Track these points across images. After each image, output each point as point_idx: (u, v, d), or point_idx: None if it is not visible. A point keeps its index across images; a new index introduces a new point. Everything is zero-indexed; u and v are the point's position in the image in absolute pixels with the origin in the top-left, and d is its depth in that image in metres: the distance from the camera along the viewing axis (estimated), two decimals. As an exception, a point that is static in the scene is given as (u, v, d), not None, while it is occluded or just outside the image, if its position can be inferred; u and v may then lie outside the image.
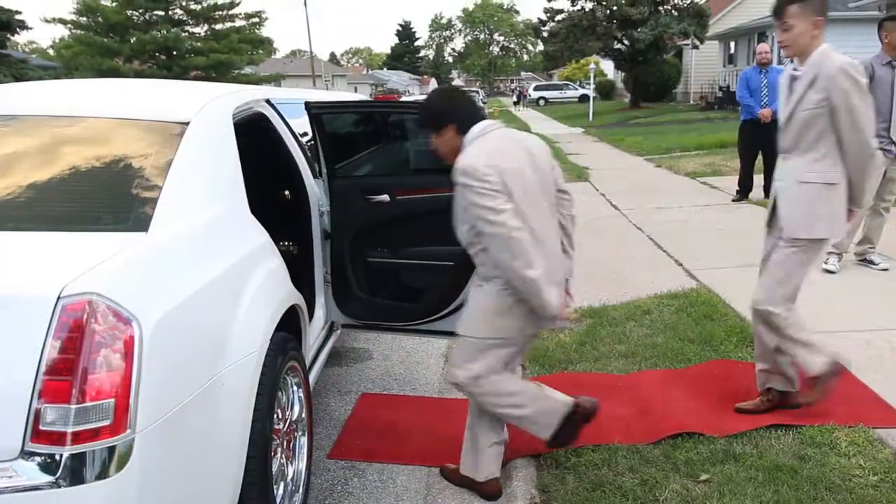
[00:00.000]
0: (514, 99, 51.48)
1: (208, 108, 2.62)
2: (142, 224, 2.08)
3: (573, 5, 30.91)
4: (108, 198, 2.25)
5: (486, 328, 2.69)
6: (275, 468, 2.48)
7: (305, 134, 3.62)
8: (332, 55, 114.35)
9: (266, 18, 34.11)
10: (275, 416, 2.46)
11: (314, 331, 3.40)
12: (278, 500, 2.49)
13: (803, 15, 2.97)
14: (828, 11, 2.99)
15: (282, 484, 2.59)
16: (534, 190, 2.61)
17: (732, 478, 2.80)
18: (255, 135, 3.20)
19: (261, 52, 35.51)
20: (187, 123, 2.46)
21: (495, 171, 2.48)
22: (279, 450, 2.57)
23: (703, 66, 32.19)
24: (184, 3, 32.43)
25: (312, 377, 3.20)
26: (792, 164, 3.13)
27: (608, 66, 44.23)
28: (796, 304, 3.20)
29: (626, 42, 30.27)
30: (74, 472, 1.68)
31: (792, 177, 3.13)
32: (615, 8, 29.36)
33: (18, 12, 24.04)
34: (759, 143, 8.42)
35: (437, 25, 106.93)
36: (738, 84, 8.58)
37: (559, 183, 2.85)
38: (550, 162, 2.82)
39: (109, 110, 2.60)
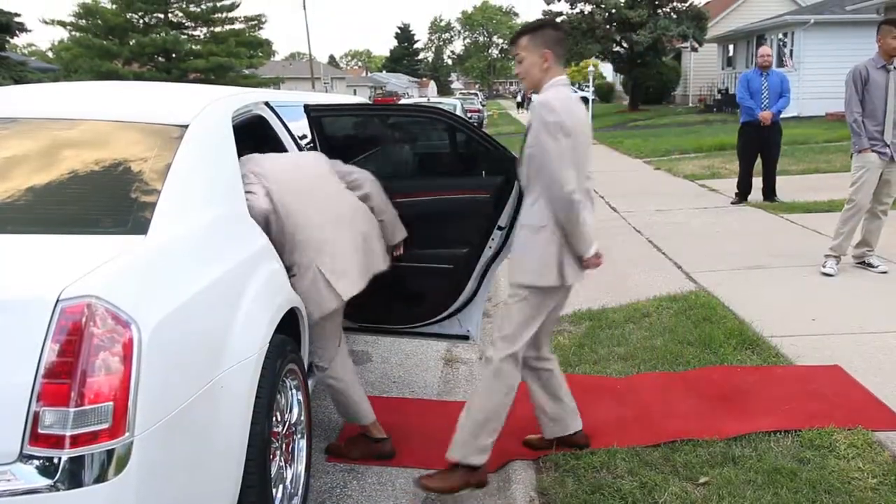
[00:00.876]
0: (518, 100, 49.79)
1: (207, 111, 2.62)
2: (141, 227, 2.08)
3: (572, 8, 30.95)
4: (108, 200, 2.25)
5: None
6: (274, 471, 2.48)
7: (304, 136, 3.62)
8: (332, 58, 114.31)
9: (265, 21, 34.18)
10: (274, 418, 2.46)
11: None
12: (277, 503, 2.49)
13: (533, 47, 2.75)
14: (558, 45, 2.77)
15: (281, 487, 2.58)
16: (299, 185, 2.92)
17: (731, 480, 2.80)
18: (254, 138, 3.20)
19: (260, 54, 35.56)
20: (186, 126, 2.46)
21: (252, 174, 2.82)
22: (278, 452, 2.57)
23: (701, 68, 32.24)
24: (183, 6, 32.46)
25: (311, 380, 3.19)
26: (523, 204, 2.91)
27: (607, 69, 44.30)
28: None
29: (625, 45, 30.32)
30: (73, 476, 1.68)
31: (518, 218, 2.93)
32: (614, 11, 29.41)
33: (17, 14, 23.99)
34: (758, 146, 8.43)
35: (437, 28, 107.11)
36: (739, 86, 8.53)
37: (341, 170, 3.19)
38: (316, 157, 3.22)
39: (109, 113, 2.60)
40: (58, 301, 1.70)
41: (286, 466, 2.67)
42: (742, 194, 8.77)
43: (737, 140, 8.89)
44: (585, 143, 2.76)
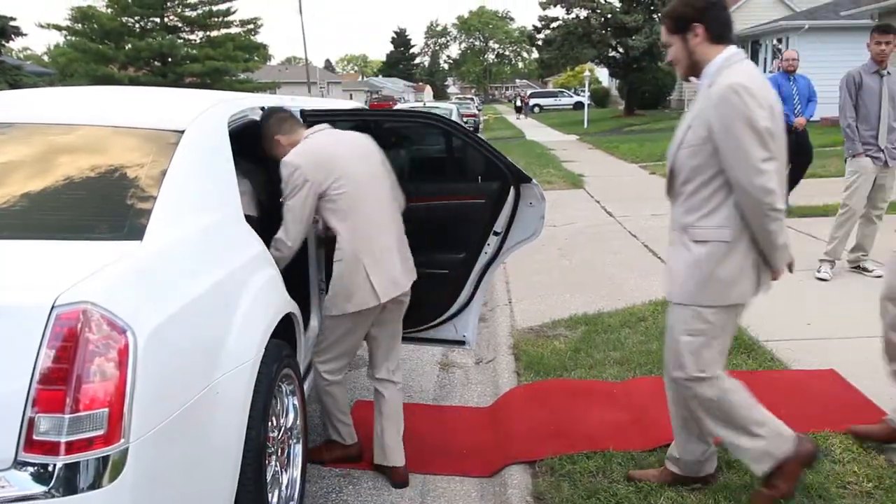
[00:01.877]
0: (518, 105, 46.69)
1: (204, 117, 2.62)
2: (137, 233, 2.08)
3: (568, 13, 31.06)
4: (104, 206, 2.25)
5: None
6: (269, 476, 2.47)
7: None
8: (328, 62, 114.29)
9: (261, 25, 34.17)
10: (269, 423, 2.46)
11: (309, 338, 3.39)
12: (273, 509, 2.49)
13: (271, 138, 3.07)
14: (283, 124, 3.06)
15: (276, 491, 2.58)
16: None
17: (727, 485, 2.80)
18: (250, 143, 3.20)
19: (256, 58, 35.53)
20: (182, 132, 2.46)
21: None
22: (273, 457, 2.57)
23: (697, 73, 32.27)
24: (179, 10, 32.45)
25: (307, 385, 3.19)
26: None
27: (603, 74, 44.40)
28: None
29: (620, 49, 30.41)
30: (68, 482, 1.67)
31: None
32: (610, 16, 29.52)
33: (13, 18, 23.98)
34: (795, 151, 7.75)
35: (433, 33, 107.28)
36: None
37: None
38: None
39: (105, 119, 2.60)
40: (53, 307, 1.70)
41: (282, 471, 2.66)
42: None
43: None
44: (353, 182, 2.93)
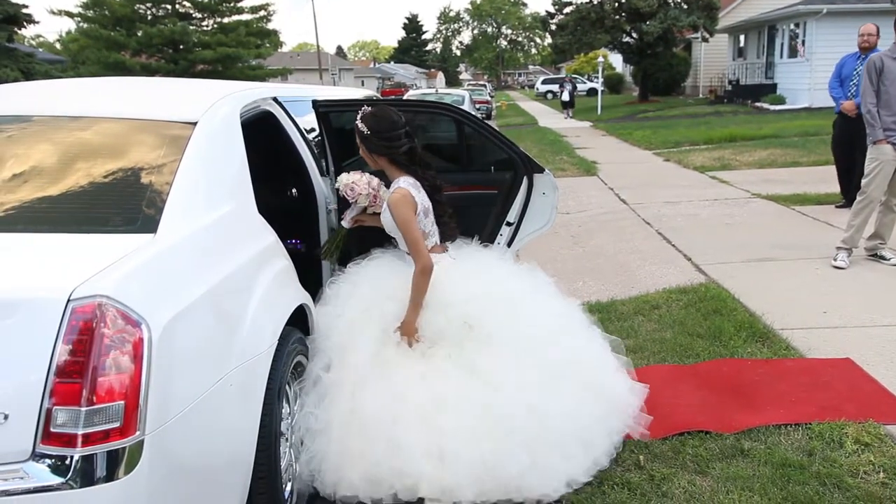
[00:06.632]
0: (565, 99, 29.43)
1: (216, 108, 2.62)
2: (150, 225, 2.09)
3: (581, -2, 30.74)
4: (117, 199, 2.26)
5: None
6: (283, 464, 2.49)
7: (313, 130, 3.62)
8: (339, 48, 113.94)
9: (273, 12, 34.04)
10: (283, 412, 2.47)
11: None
12: (286, 497, 2.51)
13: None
14: None
15: (290, 481, 2.60)
16: None
17: (740, 473, 2.80)
18: (262, 133, 3.20)
19: (268, 45, 35.44)
20: (195, 123, 2.46)
21: None
22: (287, 446, 2.58)
23: (712, 59, 31.96)
24: (191, -3, 32.39)
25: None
26: None
27: (616, 60, 44.03)
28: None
29: (634, 35, 30.11)
30: (85, 474, 1.69)
31: None
32: (624, 1, 29.19)
33: (25, 6, 24.07)
34: (851, 140, 6.85)
35: (446, 18, 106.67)
36: (833, 72, 7.53)
37: None
38: None
39: (118, 111, 2.61)
40: (69, 301, 1.71)
41: (295, 461, 2.68)
42: (844, 195, 7.44)
43: (832, 134, 7.79)
44: None
